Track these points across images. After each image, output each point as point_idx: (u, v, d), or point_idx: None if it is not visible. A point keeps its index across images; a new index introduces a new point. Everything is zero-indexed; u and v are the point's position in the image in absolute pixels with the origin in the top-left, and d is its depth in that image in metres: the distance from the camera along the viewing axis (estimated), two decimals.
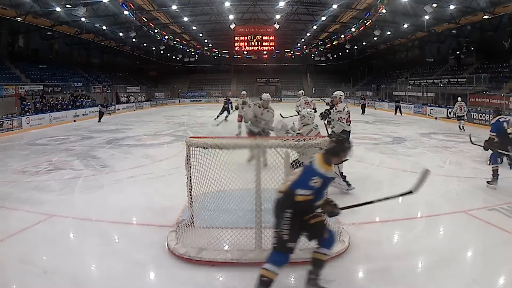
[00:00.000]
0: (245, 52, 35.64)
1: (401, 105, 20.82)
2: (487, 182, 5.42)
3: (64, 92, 22.15)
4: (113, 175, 6.47)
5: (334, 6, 23.24)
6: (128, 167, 7.08)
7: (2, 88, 17.12)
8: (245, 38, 34.27)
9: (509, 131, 5.27)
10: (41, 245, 3.59)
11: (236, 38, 34.06)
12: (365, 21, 24.16)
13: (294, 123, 4.98)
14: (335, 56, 38.82)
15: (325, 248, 2.70)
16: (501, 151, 5.32)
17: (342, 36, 29.45)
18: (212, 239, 3.43)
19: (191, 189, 3.69)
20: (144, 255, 3.36)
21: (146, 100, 31.55)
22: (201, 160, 3.55)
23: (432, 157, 7.92)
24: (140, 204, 4.82)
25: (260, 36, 34.17)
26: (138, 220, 4.35)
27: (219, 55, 37.54)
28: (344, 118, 5.53)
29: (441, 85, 22.60)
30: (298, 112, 9.35)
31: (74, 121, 17.75)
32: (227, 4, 23.38)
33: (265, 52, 35.83)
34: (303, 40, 35.16)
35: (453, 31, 24.93)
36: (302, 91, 11.75)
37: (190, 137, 3.87)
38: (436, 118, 18.02)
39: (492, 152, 5.43)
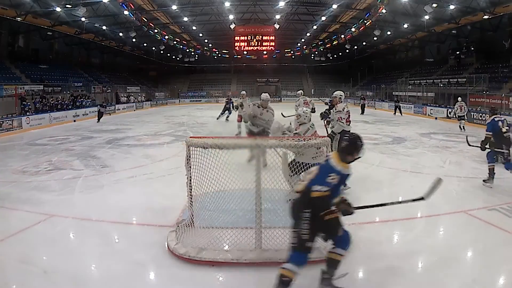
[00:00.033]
0: (245, 52, 35.64)
1: (401, 105, 20.78)
2: (483, 180, 5.53)
3: (64, 92, 22.15)
4: (113, 175, 6.47)
5: (334, 6, 23.23)
6: (128, 167, 7.08)
7: (2, 88, 17.12)
8: (245, 38, 34.25)
9: (504, 130, 5.37)
10: (41, 245, 3.59)
11: (236, 38, 34.05)
12: (365, 21, 24.15)
13: (290, 123, 4.96)
14: (335, 56, 38.81)
15: (340, 248, 2.72)
16: (497, 150, 5.39)
17: (342, 36, 29.44)
18: (212, 239, 3.43)
19: (191, 189, 3.68)
20: (144, 255, 3.36)
21: (146, 100, 31.56)
22: (201, 160, 3.54)
23: (432, 157, 7.92)
24: (140, 204, 4.82)
25: (260, 36, 34.16)
26: (138, 220, 4.36)
27: (219, 55, 37.54)
28: (344, 118, 5.53)
29: (441, 85, 22.60)
30: None
31: (74, 121, 17.75)
32: (227, 4, 23.38)
33: (265, 52, 35.82)
34: (303, 40, 35.16)
35: (453, 31, 24.93)
36: (301, 91, 11.77)
37: (190, 137, 3.87)
38: (436, 118, 18.02)
39: (488, 151, 5.49)
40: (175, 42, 31.05)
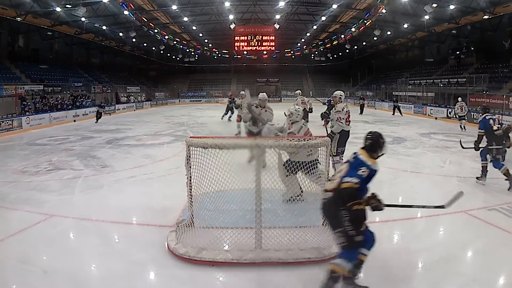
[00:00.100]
0: (245, 52, 35.63)
1: (400, 105, 20.70)
2: (477, 178, 5.64)
3: (64, 92, 22.15)
4: (113, 175, 6.47)
5: (334, 6, 23.23)
6: (128, 167, 7.08)
7: (2, 88, 17.12)
8: (245, 38, 34.26)
9: (495, 128, 5.44)
10: (41, 245, 3.59)
11: (236, 38, 34.06)
12: (365, 21, 24.15)
13: (284, 124, 4.93)
14: (335, 56, 38.79)
15: (364, 248, 2.73)
16: (490, 147, 5.47)
17: (342, 36, 29.43)
18: (212, 239, 3.43)
19: (191, 189, 3.68)
20: (144, 255, 3.36)
21: (146, 100, 31.57)
22: (201, 160, 3.54)
23: (432, 157, 7.93)
24: (140, 204, 4.82)
25: (260, 36, 34.17)
26: (138, 220, 4.36)
27: (219, 55, 37.53)
28: (343, 118, 5.53)
29: (441, 85, 22.60)
30: None
31: (74, 121, 17.76)
32: (227, 4, 23.37)
33: (265, 52, 35.81)
34: (303, 40, 35.15)
35: (453, 31, 24.91)
36: (299, 91, 11.84)
37: (190, 137, 3.87)
38: (436, 118, 18.02)
39: (481, 149, 5.57)
40: (175, 42, 31.04)
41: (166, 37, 29.17)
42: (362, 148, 2.80)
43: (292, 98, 30.30)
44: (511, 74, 19.30)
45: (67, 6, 18.82)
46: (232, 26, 28.77)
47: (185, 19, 26.41)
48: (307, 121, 10.94)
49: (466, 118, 13.04)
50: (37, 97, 18.86)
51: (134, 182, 6.02)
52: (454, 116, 14.25)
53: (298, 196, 4.18)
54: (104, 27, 25.01)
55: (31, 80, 20.82)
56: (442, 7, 19.59)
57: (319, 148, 3.88)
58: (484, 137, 5.54)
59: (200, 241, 3.38)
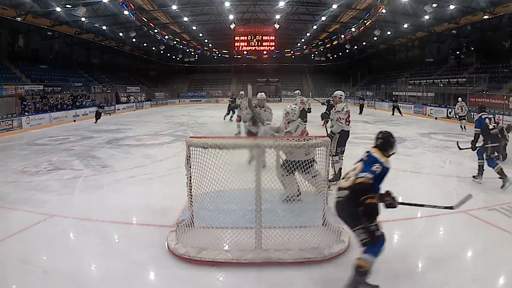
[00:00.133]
0: (245, 52, 35.63)
1: (400, 105, 20.67)
2: (473, 176, 5.73)
3: (64, 92, 22.14)
4: (113, 175, 6.47)
5: (334, 6, 23.24)
6: (128, 167, 7.08)
7: (2, 88, 17.12)
8: (245, 38, 34.26)
9: (491, 127, 5.52)
10: (41, 245, 3.59)
11: (236, 38, 34.05)
12: (365, 21, 24.15)
13: (281, 124, 4.92)
14: (335, 56, 38.80)
15: (368, 254, 2.73)
16: (487, 146, 5.53)
17: (342, 36, 29.43)
18: (212, 239, 3.42)
19: (191, 189, 3.68)
20: (144, 255, 3.36)
21: (146, 100, 31.56)
22: (201, 160, 3.54)
23: (432, 157, 7.93)
24: (140, 204, 4.82)
25: (260, 36, 34.16)
26: (138, 220, 4.36)
27: (219, 55, 37.53)
28: (343, 119, 5.52)
29: (441, 85, 22.61)
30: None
31: (74, 121, 17.76)
32: (227, 4, 23.38)
33: (265, 52, 35.82)
34: (303, 40, 35.16)
35: (453, 31, 24.92)
36: (298, 91, 11.88)
37: (190, 137, 3.88)
38: (436, 118, 18.02)
39: (478, 148, 5.62)
40: (175, 42, 31.05)
41: (166, 37, 29.18)
42: (374, 146, 2.89)
43: (292, 98, 30.31)
44: (511, 74, 19.30)
45: (67, 6, 18.83)
46: (232, 26, 28.78)
47: (185, 19, 26.41)
48: (306, 121, 11.00)
49: (466, 118, 13.04)
50: (37, 97, 18.86)
51: (134, 182, 6.02)
52: (454, 116, 14.26)
53: (296, 196, 4.19)
54: (104, 27, 25.02)
55: (31, 80, 20.83)
56: (442, 7, 19.60)
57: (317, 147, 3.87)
58: (481, 136, 5.59)
59: (200, 241, 3.38)
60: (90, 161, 7.73)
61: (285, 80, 40.84)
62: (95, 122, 16.52)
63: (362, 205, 2.58)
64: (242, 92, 11.56)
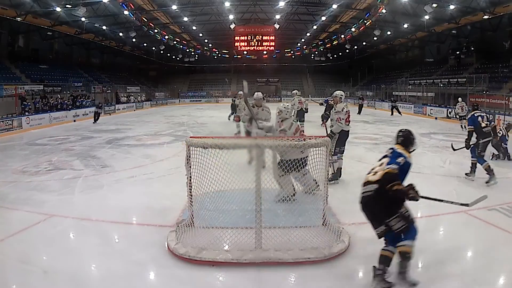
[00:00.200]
0: (245, 52, 35.64)
1: (399, 104, 20.64)
2: (466, 174, 5.84)
3: (64, 92, 22.13)
4: (113, 175, 6.47)
5: (334, 6, 23.24)
6: (128, 167, 7.08)
7: (2, 88, 17.10)
8: (245, 38, 34.25)
9: (483, 125, 5.59)
10: (41, 245, 3.59)
11: (236, 38, 34.05)
12: (365, 21, 24.16)
13: (274, 124, 4.91)
14: (335, 56, 38.81)
15: (392, 246, 2.83)
16: (478, 143, 5.58)
17: (342, 36, 29.44)
18: (212, 239, 3.42)
19: (191, 189, 3.68)
20: (144, 255, 3.36)
21: (146, 100, 31.55)
22: (201, 160, 3.54)
23: (432, 157, 7.93)
24: (140, 204, 4.82)
25: (260, 36, 34.17)
26: (138, 220, 4.35)
27: (219, 55, 37.54)
28: (343, 119, 5.53)
29: (441, 85, 22.60)
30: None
31: (74, 121, 17.76)
32: (227, 4, 23.38)
33: (265, 52, 35.83)
34: (303, 40, 35.16)
35: (453, 31, 24.92)
36: (296, 91, 11.88)
37: (190, 137, 3.88)
38: (436, 118, 18.02)
39: (472, 146, 5.67)
40: (175, 42, 31.05)
41: (166, 37, 29.18)
42: (396, 143, 3.01)
43: (292, 98, 30.25)
44: (511, 74, 19.30)
45: (67, 6, 18.83)
46: (232, 26, 28.78)
47: (185, 19, 26.41)
48: (304, 121, 10.99)
49: (466, 118, 13.04)
50: (37, 97, 18.85)
51: (134, 182, 6.02)
52: (454, 116, 14.26)
53: (291, 196, 4.18)
54: (104, 27, 25.02)
55: (31, 80, 20.82)
56: (442, 7, 19.60)
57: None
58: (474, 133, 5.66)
59: (200, 241, 3.38)
60: (90, 161, 7.73)
61: (285, 80, 40.83)
62: (94, 122, 16.53)
63: (390, 191, 2.65)
64: (241, 92, 11.55)
